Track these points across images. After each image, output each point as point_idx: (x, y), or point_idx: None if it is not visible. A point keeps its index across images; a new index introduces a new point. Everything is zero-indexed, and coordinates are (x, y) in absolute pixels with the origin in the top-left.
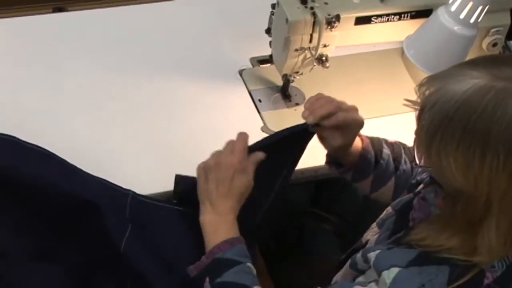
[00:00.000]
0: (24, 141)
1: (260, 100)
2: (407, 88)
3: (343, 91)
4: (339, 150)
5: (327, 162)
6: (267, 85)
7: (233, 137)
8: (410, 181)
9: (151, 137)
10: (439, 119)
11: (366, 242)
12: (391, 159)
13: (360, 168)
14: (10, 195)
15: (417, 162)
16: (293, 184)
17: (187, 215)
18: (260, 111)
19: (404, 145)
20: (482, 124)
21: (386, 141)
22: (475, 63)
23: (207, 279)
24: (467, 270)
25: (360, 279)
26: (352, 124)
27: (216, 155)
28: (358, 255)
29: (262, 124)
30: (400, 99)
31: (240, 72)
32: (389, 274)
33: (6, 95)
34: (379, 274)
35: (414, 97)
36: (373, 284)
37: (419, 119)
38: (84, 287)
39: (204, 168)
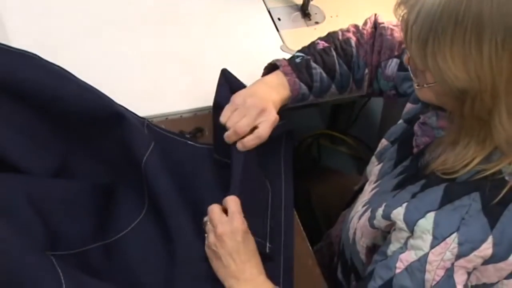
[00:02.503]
0: (45, 60)
1: (279, 19)
2: None
3: (362, 9)
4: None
5: None
6: (286, 3)
7: (251, 55)
8: (352, 78)
9: (168, 57)
10: (427, 25)
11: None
12: (324, 75)
13: (299, 101)
14: (32, 107)
15: (416, 88)
16: (310, 106)
17: (199, 150)
18: (279, 29)
19: (344, 44)
20: (471, 11)
21: (319, 51)
22: None
23: None
24: (496, 189)
25: (392, 247)
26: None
27: (212, 230)
28: (380, 210)
29: (281, 43)
30: None
31: None
32: (428, 220)
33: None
34: (414, 224)
35: None
36: (411, 241)
37: (406, 39)
38: (103, 202)
39: (209, 247)
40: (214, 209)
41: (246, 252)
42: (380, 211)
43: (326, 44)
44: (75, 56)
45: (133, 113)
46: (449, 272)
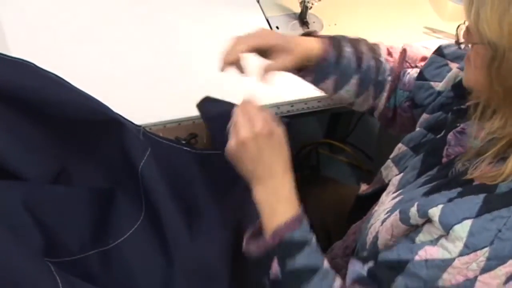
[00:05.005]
0: (41, 68)
1: (277, 27)
2: (428, 17)
3: (361, 18)
4: (298, 65)
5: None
6: (284, 12)
7: (248, 64)
8: (375, 77)
9: (164, 65)
10: None
11: (389, 182)
12: (352, 58)
13: (321, 69)
14: (29, 114)
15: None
16: (309, 114)
17: (196, 156)
18: None
19: (374, 45)
20: None
21: (350, 39)
22: None
23: (276, 261)
24: None
25: (422, 237)
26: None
27: (235, 134)
28: (413, 209)
29: None
30: (420, 27)
31: None
32: (463, 228)
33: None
34: (450, 228)
35: (433, 25)
36: (444, 241)
37: None
38: (101, 209)
39: (231, 151)
40: (239, 112)
41: (270, 156)
42: (413, 210)
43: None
44: (72, 65)
45: (129, 121)
46: (469, 284)
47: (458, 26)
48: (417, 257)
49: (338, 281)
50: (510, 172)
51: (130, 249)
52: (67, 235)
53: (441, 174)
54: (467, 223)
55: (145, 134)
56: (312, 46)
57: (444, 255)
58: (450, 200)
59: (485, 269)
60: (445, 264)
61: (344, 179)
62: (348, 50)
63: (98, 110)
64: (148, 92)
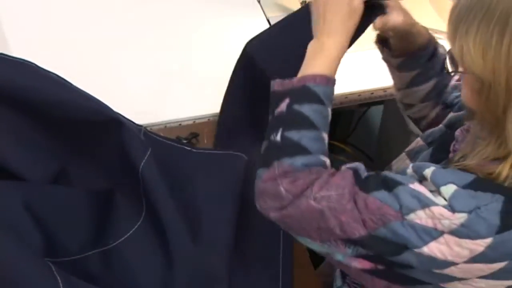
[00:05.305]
0: (42, 68)
1: None
2: (429, 17)
3: None
4: (401, 32)
5: (377, 41)
6: (285, 12)
7: None
8: (443, 90)
9: (165, 66)
10: (463, 11)
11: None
12: (441, 60)
13: (415, 58)
14: (30, 114)
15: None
16: None
17: (197, 155)
18: None
19: None
20: (502, 3)
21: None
22: None
23: (287, 100)
24: None
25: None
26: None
27: None
28: (409, 169)
29: None
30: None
31: None
32: (447, 190)
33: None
34: (439, 188)
35: (434, 26)
36: (434, 193)
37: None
38: (102, 209)
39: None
40: None
41: (338, 16)
42: (410, 172)
43: None
44: (73, 65)
45: (130, 120)
46: (434, 233)
47: (448, 51)
48: (409, 184)
49: (328, 161)
50: (505, 176)
51: (131, 249)
52: (67, 235)
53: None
54: (451, 187)
55: (146, 134)
56: (422, 28)
57: (431, 197)
58: (444, 167)
59: (453, 232)
60: (427, 203)
61: None
62: (441, 51)
63: (98, 110)
64: (149, 92)
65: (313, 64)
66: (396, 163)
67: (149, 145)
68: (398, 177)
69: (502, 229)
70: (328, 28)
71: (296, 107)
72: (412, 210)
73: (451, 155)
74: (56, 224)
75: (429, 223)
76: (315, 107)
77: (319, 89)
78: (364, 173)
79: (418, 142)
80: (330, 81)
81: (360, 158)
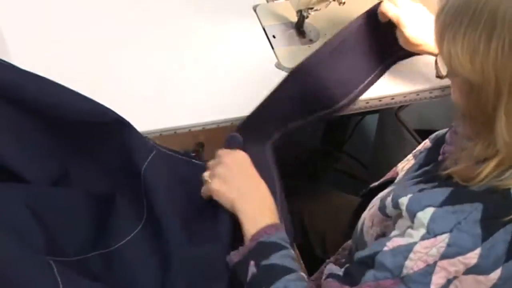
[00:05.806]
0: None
1: (274, 36)
2: None
3: None
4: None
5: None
6: (281, 21)
7: (245, 73)
8: None
9: (162, 74)
10: (450, 15)
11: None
12: None
13: None
14: (31, 115)
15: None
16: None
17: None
18: (274, 47)
19: None
20: (488, 7)
21: None
22: None
23: (252, 262)
24: (501, 206)
25: (394, 232)
26: None
27: (219, 157)
28: (389, 199)
29: (275, 61)
30: None
31: (255, 8)
32: (425, 214)
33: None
34: (414, 216)
35: None
36: (409, 230)
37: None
38: (103, 211)
39: (213, 190)
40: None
41: (243, 173)
42: (389, 199)
43: None
44: (76, 71)
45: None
46: (429, 269)
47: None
48: (385, 248)
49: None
50: (485, 176)
51: (132, 252)
52: (68, 237)
53: (433, 170)
54: (429, 210)
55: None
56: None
57: (408, 241)
58: (420, 191)
59: (444, 255)
60: (408, 249)
61: (340, 188)
62: None
63: (100, 111)
64: (148, 100)
65: (257, 221)
66: (402, 164)
67: (153, 146)
68: (370, 250)
69: (486, 236)
70: (240, 194)
71: (265, 262)
72: (402, 266)
73: (440, 157)
74: (57, 226)
75: (420, 265)
76: (281, 253)
77: (274, 238)
78: (338, 271)
79: (425, 143)
80: (278, 226)
81: (355, 166)
